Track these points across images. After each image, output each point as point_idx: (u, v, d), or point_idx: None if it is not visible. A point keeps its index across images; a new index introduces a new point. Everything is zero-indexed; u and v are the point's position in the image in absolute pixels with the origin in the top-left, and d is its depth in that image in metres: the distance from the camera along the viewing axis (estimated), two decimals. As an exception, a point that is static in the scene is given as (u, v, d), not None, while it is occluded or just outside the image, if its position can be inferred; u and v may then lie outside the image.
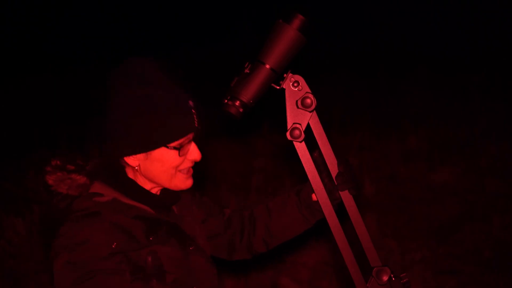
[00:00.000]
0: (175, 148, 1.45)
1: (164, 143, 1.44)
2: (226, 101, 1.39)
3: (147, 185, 1.53)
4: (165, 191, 1.56)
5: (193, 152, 1.50)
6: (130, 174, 1.52)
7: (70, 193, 1.44)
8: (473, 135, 5.77)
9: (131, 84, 1.42)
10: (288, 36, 1.34)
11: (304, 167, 1.43)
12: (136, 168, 1.48)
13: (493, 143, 5.52)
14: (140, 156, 1.46)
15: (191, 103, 1.47)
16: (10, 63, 9.28)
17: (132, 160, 1.47)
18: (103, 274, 1.32)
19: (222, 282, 1.76)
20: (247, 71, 1.38)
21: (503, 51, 8.29)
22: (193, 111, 1.46)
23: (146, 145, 1.44)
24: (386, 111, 6.64)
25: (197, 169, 1.72)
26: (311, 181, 1.44)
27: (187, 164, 1.51)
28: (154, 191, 1.55)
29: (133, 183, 1.51)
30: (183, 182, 1.53)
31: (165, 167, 1.47)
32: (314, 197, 1.66)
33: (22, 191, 4.63)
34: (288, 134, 1.40)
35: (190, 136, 1.48)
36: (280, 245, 1.87)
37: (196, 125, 1.46)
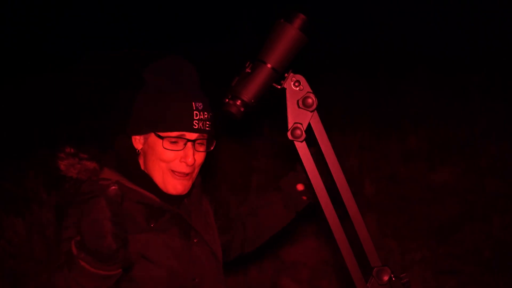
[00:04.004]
0: (160, 137, 1.49)
1: (153, 130, 1.50)
2: (227, 100, 1.39)
3: None
4: None
5: (186, 155, 1.52)
6: (143, 167, 1.57)
7: (80, 177, 1.51)
8: (473, 135, 5.77)
9: (152, 74, 1.53)
10: (289, 35, 1.34)
11: (305, 166, 1.43)
12: (138, 151, 1.54)
13: (493, 143, 5.51)
14: (142, 139, 1.54)
15: (200, 105, 1.51)
16: (10, 63, 9.28)
17: (137, 142, 1.55)
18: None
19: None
20: (248, 70, 1.38)
21: (503, 51, 8.29)
22: (196, 113, 1.49)
23: (141, 127, 1.53)
24: (386, 111, 6.64)
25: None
26: (312, 181, 1.44)
27: (181, 167, 1.52)
28: None
29: (142, 172, 1.55)
30: (172, 185, 1.54)
31: (154, 157, 1.52)
32: (298, 187, 1.72)
33: (22, 191, 4.62)
34: (289, 133, 1.39)
35: (185, 135, 1.50)
36: (280, 245, 1.90)
37: (196, 127, 1.48)
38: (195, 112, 1.50)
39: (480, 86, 7.04)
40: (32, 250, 4.04)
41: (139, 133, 1.53)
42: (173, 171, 1.52)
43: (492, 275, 3.63)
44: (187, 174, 1.54)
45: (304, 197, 1.79)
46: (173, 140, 1.50)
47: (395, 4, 11.57)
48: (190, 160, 1.51)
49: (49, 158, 1.58)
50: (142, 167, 1.57)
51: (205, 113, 1.52)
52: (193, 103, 1.50)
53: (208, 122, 1.53)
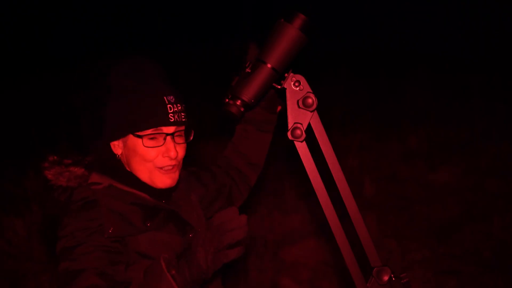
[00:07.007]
0: (138, 136, 1.47)
1: (131, 131, 1.47)
2: (227, 100, 1.39)
3: None
4: None
5: (168, 149, 1.51)
6: (128, 168, 1.55)
7: (70, 185, 1.48)
8: (473, 135, 5.77)
9: (118, 76, 1.49)
10: (289, 35, 1.34)
11: (305, 166, 1.43)
12: (119, 156, 1.52)
13: (493, 143, 5.52)
14: (120, 143, 1.51)
15: (172, 98, 1.49)
16: (10, 63, 9.28)
17: (116, 147, 1.52)
18: (93, 247, 1.36)
19: (222, 282, 1.75)
20: (248, 70, 1.38)
21: (503, 51, 8.29)
22: (170, 106, 1.48)
23: (118, 131, 1.49)
24: (386, 111, 6.64)
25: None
26: (311, 181, 1.44)
27: (165, 161, 1.51)
28: None
29: (129, 173, 1.54)
30: (160, 180, 1.53)
31: (137, 158, 1.50)
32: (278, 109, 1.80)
33: (22, 191, 4.62)
34: (289, 133, 1.39)
35: (162, 129, 1.49)
36: (280, 246, 1.89)
37: (172, 120, 1.48)
38: (168, 105, 1.48)
39: (480, 86, 7.04)
40: (32, 250, 4.04)
41: (116, 138, 1.50)
42: (158, 167, 1.52)
43: (492, 275, 3.62)
44: (172, 167, 1.54)
45: (277, 110, 1.83)
46: (152, 136, 1.48)
47: (395, 4, 11.58)
48: (172, 153, 1.50)
49: (46, 155, 1.53)
50: (127, 169, 1.55)
51: (178, 105, 1.51)
52: (164, 97, 1.48)
53: (183, 114, 1.52)
